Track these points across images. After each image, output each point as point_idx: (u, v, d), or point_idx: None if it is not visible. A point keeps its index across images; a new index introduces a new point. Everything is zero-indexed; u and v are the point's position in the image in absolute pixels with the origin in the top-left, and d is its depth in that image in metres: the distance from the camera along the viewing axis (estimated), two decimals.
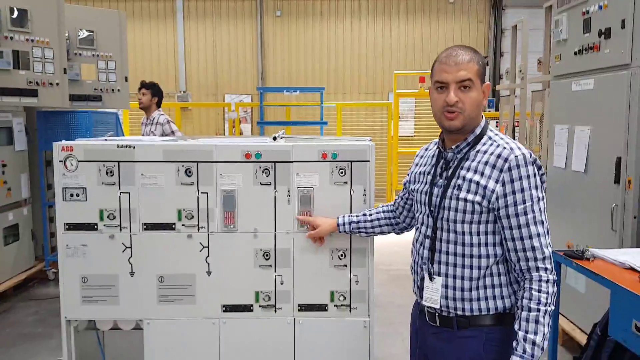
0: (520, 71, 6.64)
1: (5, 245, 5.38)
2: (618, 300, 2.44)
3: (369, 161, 2.37)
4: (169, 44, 12.83)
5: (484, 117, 1.93)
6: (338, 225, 2.30)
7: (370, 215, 2.28)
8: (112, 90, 6.56)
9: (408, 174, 2.11)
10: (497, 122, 8.11)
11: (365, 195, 2.38)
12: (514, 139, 6.77)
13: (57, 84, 5.46)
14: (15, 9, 5.04)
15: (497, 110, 9.34)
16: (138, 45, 12.64)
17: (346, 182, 2.37)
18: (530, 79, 6.22)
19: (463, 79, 1.80)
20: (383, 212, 2.28)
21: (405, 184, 2.14)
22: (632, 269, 2.63)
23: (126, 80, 6.70)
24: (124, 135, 6.88)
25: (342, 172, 2.36)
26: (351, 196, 2.37)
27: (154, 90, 6.13)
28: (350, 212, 2.37)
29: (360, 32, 12.70)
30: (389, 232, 2.29)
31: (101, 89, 6.46)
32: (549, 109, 4.84)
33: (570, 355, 4.04)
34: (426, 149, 2.09)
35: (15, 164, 5.46)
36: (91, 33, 6.29)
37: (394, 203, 2.26)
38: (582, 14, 4.04)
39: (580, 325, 4.08)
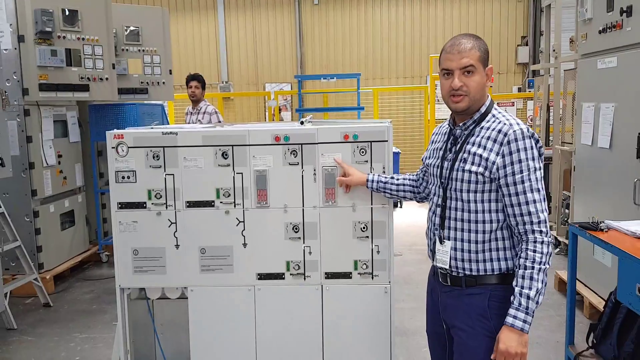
0: (554, 50, 6.62)
1: (62, 230, 5.85)
2: (625, 266, 2.58)
3: (387, 141, 2.57)
4: (210, 36, 13.20)
5: (489, 97, 2.14)
6: (367, 181, 2.52)
7: (397, 179, 2.50)
8: (158, 83, 6.94)
9: (427, 150, 2.33)
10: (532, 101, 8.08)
11: (384, 172, 2.59)
12: (548, 118, 6.81)
13: (107, 78, 5.85)
14: (66, 9, 5.43)
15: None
16: (181, 38, 13.07)
17: (367, 161, 2.58)
18: (563, 58, 6.21)
19: (466, 66, 2.01)
20: (409, 179, 2.50)
21: (423, 159, 2.36)
22: None
23: (170, 73, 7.07)
24: (169, 124, 7.28)
25: (362, 152, 2.57)
26: (371, 173, 2.58)
27: (204, 83, 6.58)
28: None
29: (398, 17, 12.73)
30: (411, 199, 2.51)
31: (147, 82, 6.85)
32: (577, 88, 4.89)
33: None
34: (441, 127, 2.31)
35: (70, 155, 5.90)
36: (137, 29, 6.67)
37: (416, 174, 2.48)
38: None
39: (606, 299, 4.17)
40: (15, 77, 5.25)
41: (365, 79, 12.13)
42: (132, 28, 6.64)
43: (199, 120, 6.48)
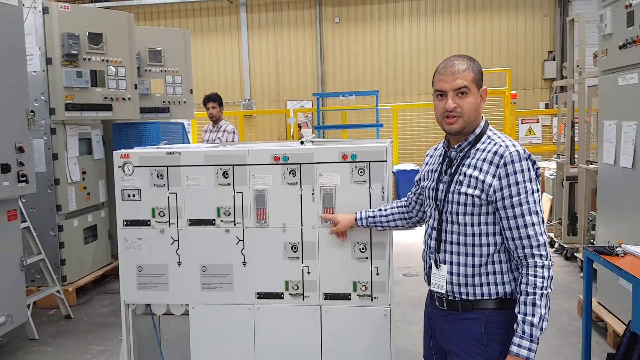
0: (578, 66, 6.50)
1: (85, 244, 6.00)
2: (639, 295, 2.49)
3: (385, 161, 2.57)
4: (234, 55, 13.46)
5: (484, 118, 2.12)
6: (356, 220, 2.51)
7: (385, 210, 2.49)
8: (179, 102, 7.10)
9: (419, 172, 2.32)
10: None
11: (383, 192, 2.59)
12: (573, 136, 6.66)
13: (129, 98, 6.02)
14: (92, 33, 5.63)
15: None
16: (206, 58, 13.37)
17: (365, 181, 2.58)
18: (587, 74, 6.10)
19: (459, 87, 2.00)
20: (397, 207, 2.47)
21: (416, 181, 2.34)
22: None
23: (191, 93, 7.22)
24: (189, 143, 7.42)
25: (361, 172, 2.58)
26: (370, 193, 2.59)
27: (220, 102, 6.70)
28: (370, 209, 2.58)
29: (419, 33, 12.75)
30: (403, 227, 2.47)
31: (169, 102, 7.01)
32: (599, 105, 4.79)
33: None
34: (435, 149, 2.29)
35: (94, 171, 6.07)
36: (159, 50, 6.86)
37: (407, 198, 2.46)
38: (625, 7, 4.00)
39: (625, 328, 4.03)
40: (42, 98, 5.45)
41: (386, 96, 12.14)
42: (155, 49, 6.83)
43: (219, 138, 6.59)
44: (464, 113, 2.01)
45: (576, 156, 6.77)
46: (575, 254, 6.62)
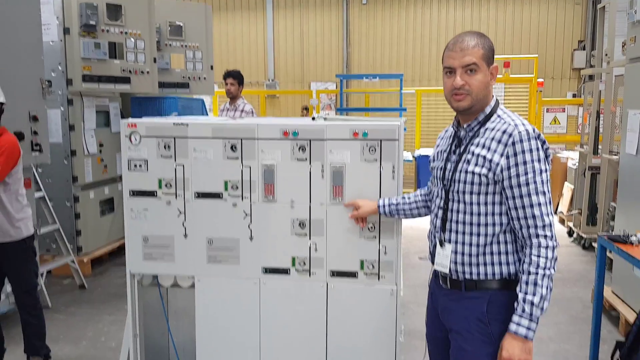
0: (607, 55, 6.30)
1: (101, 216, 6.06)
2: None
3: (397, 140, 2.51)
4: (259, 34, 13.38)
5: (494, 97, 2.06)
6: (379, 206, 2.46)
7: (409, 198, 2.43)
8: (199, 78, 7.08)
9: (432, 155, 2.26)
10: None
11: (394, 172, 2.52)
12: (598, 126, 6.50)
13: (148, 72, 6.02)
14: (111, 4, 5.62)
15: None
16: (230, 36, 13.31)
17: (376, 160, 2.52)
18: (615, 63, 5.91)
19: (468, 64, 1.94)
20: (420, 194, 2.42)
21: (431, 168, 2.28)
22: None
23: (211, 69, 7.20)
24: None
25: (372, 150, 2.52)
26: (380, 173, 2.53)
27: (240, 79, 6.39)
28: (380, 188, 2.53)
29: (448, 18, 12.51)
30: (426, 214, 2.40)
31: (189, 77, 7.00)
32: (625, 94, 4.64)
33: None
34: (446, 131, 2.24)
35: (112, 144, 6.10)
36: (180, 25, 6.83)
37: (427, 187, 2.40)
38: None
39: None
40: (60, 68, 5.47)
41: (411, 80, 11.97)
42: (175, 24, 6.80)
43: (235, 118, 6.53)
44: (473, 91, 1.96)
45: (600, 147, 6.62)
46: (593, 243, 6.53)
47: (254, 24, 13.37)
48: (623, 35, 6.57)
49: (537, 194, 1.89)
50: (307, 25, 13.15)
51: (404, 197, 2.45)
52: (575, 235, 7.19)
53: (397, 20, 12.68)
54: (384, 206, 2.46)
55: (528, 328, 1.86)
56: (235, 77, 6.38)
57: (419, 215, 2.44)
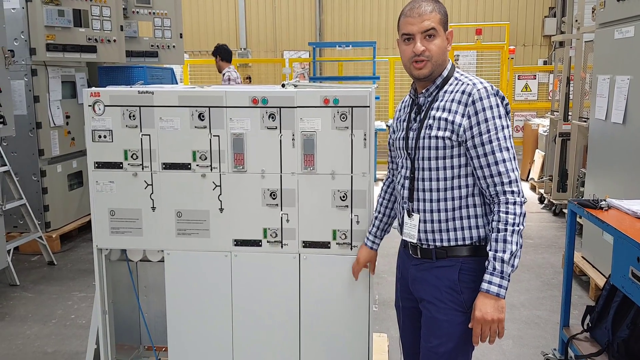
0: (577, 21, 6.32)
1: (70, 190, 5.92)
2: (619, 247, 2.45)
3: (369, 107, 2.45)
4: (230, 2, 13.03)
5: (450, 61, 2.06)
6: (370, 247, 2.41)
7: (380, 212, 2.37)
8: (168, 46, 6.88)
9: (390, 127, 2.23)
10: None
11: (365, 139, 2.48)
12: (568, 92, 6.56)
13: (115, 40, 5.82)
14: None
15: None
16: (201, 4, 12.94)
17: (347, 127, 2.47)
18: (584, 29, 5.93)
19: (427, 29, 1.92)
20: (384, 198, 2.36)
21: (389, 143, 2.25)
22: None
23: (181, 37, 6.99)
24: None
25: (343, 117, 2.46)
26: (352, 140, 2.48)
27: (217, 52, 6.76)
28: (352, 157, 2.48)
29: None
30: None
31: (157, 46, 6.79)
32: (594, 59, 4.66)
33: None
34: (403, 101, 2.22)
35: (79, 116, 5.91)
36: None
37: (388, 172, 2.37)
38: None
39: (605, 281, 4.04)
40: (22, 37, 5.25)
41: (384, 49, 11.86)
42: None
43: None
44: (432, 56, 1.94)
45: (570, 113, 6.69)
46: (564, 210, 6.65)
47: None
48: (593, 1, 6.58)
49: (500, 150, 1.89)
50: None
51: (376, 217, 2.39)
52: (546, 201, 7.31)
53: None
54: (373, 241, 2.41)
55: (500, 286, 1.86)
56: (213, 53, 6.58)
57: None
